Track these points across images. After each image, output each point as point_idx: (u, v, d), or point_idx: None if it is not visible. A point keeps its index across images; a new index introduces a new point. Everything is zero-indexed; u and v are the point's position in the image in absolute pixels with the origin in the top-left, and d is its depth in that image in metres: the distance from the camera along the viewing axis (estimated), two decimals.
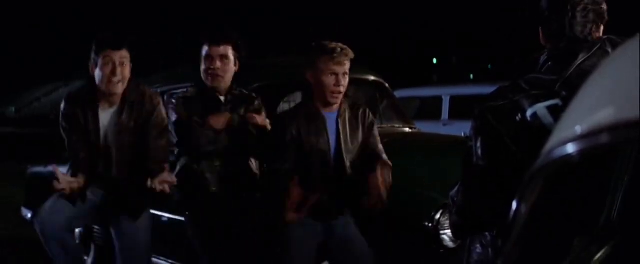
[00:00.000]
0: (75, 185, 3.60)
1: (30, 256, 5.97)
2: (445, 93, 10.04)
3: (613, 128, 0.91)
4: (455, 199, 2.22)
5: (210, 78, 3.72)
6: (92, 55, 3.62)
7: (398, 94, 6.69)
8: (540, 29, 2.20)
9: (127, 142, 3.67)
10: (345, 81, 3.39)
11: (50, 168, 3.88)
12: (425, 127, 5.90)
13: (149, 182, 3.55)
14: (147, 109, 3.69)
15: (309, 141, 3.39)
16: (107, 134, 3.67)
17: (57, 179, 3.56)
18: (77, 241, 4.80)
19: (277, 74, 4.81)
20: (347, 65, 3.39)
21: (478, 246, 2.29)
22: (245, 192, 3.75)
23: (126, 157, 3.68)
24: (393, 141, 4.24)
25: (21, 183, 6.30)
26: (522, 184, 1.19)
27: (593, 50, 2.08)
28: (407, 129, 5.09)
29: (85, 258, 5.01)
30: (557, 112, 1.97)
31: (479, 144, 2.09)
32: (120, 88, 3.62)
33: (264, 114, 3.80)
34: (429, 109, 9.95)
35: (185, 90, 3.90)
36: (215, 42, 3.72)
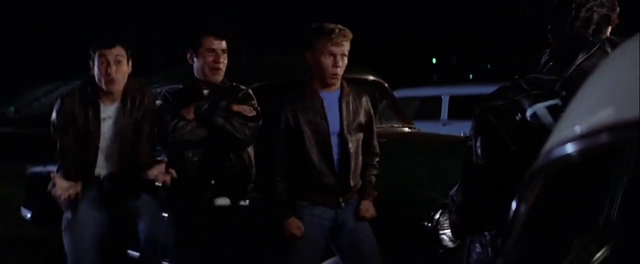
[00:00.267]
0: (72, 191, 3.59)
1: (30, 256, 5.95)
2: (445, 93, 10.02)
3: (613, 128, 0.91)
4: (455, 198, 2.22)
5: (213, 72, 3.69)
6: (90, 55, 3.69)
7: (398, 94, 6.70)
8: (548, 27, 2.20)
9: (127, 137, 3.69)
10: (343, 62, 3.39)
11: (49, 168, 3.87)
12: (425, 127, 5.91)
13: (149, 174, 3.55)
14: (146, 106, 3.72)
15: (306, 119, 3.39)
16: (108, 130, 3.69)
17: (55, 185, 3.57)
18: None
19: (277, 74, 4.81)
20: (346, 46, 3.39)
21: (477, 245, 2.29)
22: (234, 189, 3.69)
23: (125, 152, 3.70)
24: (393, 141, 4.25)
25: (21, 183, 6.27)
26: (522, 184, 1.19)
27: (592, 51, 2.08)
28: (406, 129, 5.10)
29: None
30: (557, 112, 1.97)
31: (478, 144, 2.09)
32: (116, 85, 3.66)
33: (251, 103, 3.71)
34: (429, 109, 9.94)
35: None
36: (219, 36, 3.71)
